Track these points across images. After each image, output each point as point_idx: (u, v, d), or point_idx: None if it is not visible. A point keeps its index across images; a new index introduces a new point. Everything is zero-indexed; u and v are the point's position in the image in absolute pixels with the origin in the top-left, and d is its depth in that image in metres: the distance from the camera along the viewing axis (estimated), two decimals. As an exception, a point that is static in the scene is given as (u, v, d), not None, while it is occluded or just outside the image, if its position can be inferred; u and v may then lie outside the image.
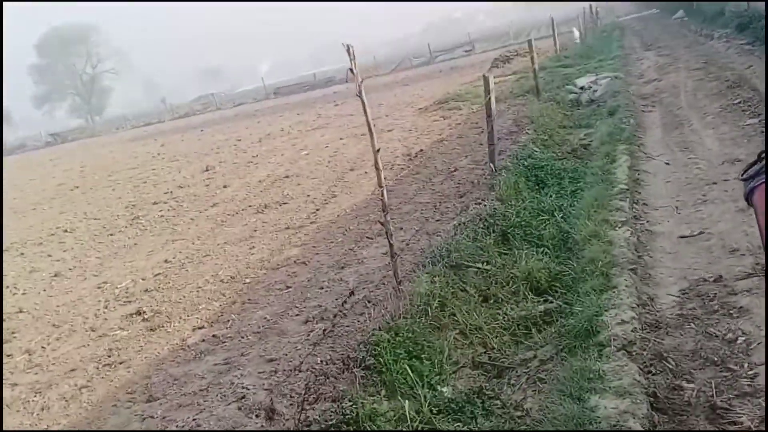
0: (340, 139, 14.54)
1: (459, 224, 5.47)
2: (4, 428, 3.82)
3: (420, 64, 44.09)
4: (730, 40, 15.00)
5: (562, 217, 5.90)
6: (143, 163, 18.86)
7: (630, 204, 5.51)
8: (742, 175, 1.38)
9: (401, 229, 6.47)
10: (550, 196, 6.60)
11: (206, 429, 3.29)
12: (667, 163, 6.65)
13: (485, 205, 5.90)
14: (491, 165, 6.97)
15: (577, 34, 23.95)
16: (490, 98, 6.98)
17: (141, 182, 14.25)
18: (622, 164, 6.55)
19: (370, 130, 4.20)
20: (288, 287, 5.25)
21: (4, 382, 4.47)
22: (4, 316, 5.89)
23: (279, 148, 15.24)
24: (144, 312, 5.31)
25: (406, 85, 27.25)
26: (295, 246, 6.57)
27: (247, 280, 5.69)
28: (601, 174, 6.32)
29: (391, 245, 4.32)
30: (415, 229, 6.33)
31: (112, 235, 8.99)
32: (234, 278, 5.83)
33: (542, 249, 5.27)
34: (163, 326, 4.90)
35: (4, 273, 7.55)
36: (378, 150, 4.24)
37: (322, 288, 5.08)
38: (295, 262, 5.97)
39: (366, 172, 9.92)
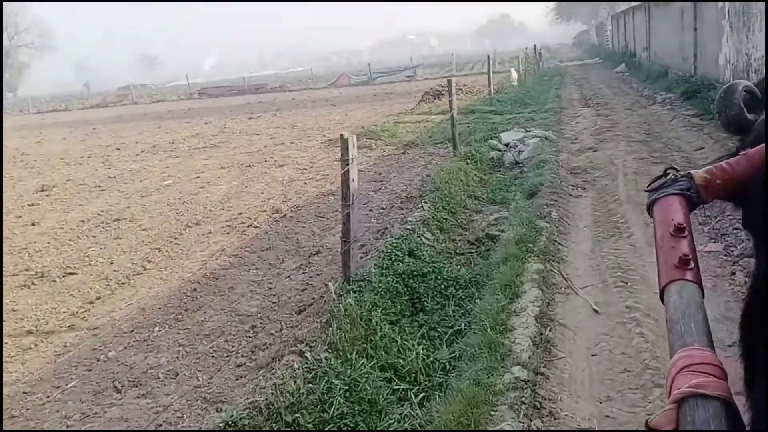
0: (221, 167, 12.00)
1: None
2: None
3: (359, 82, 41.78)
4: (674, 108, 13.37)
5: (422, 400, 3.58)
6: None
7: (525, 419, 2.97)
8: (647, 186, 1.27)
9: (159, 378, 4.01)
10: (421, 339, 4.27)
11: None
12: (596, 310, 4.34)
13: (295, 375, 3.45)
14: (330, 285, 4.52)
15: (515, 75, 22.06)
16: (348, 171, 4.55)
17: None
18: (526, 307, 4.02)
19: None
20: None
21: None
22: None
23: (146, 170, 12.52)
24: None
25: (333, 105, 24.91)
26: (6, 383, 3.99)
27: None
28: (490, 328, 3.86)
29: None
30: (186, 390, 3.90)
31: None
32: None
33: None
34: None
35: None
36: None
37: None
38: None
39: (210, 232, 7.42)
